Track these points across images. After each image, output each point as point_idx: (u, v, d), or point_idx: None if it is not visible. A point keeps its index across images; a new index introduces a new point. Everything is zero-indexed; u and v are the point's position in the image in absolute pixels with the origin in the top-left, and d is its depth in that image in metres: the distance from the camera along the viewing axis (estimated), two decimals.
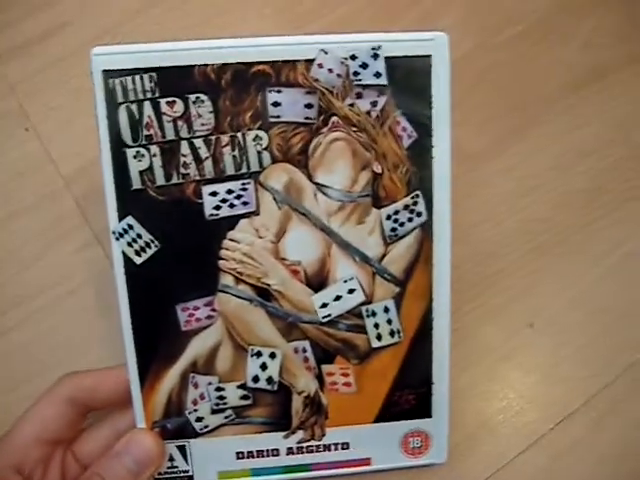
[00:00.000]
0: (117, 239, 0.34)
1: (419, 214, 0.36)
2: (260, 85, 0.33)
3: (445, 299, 0.37)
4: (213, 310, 0.36)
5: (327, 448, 0.39)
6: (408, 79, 0.34)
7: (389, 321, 0.37)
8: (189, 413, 0.37)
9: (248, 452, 0.38)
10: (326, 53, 0.33)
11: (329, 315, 0.36)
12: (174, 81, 0.33)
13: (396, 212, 0.36)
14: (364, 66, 0.33)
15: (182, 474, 0.38)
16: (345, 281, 0.36)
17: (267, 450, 0.38)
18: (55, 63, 0.46)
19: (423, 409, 0.38)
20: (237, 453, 0.38)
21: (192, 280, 0.35)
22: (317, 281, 0.36)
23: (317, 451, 0.39)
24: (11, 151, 0.45)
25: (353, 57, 0.33)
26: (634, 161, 0.47)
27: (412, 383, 0.38)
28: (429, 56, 0.34)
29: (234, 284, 0.35)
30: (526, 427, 0.44)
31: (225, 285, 0.35)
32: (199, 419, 0.37)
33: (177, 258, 0.35)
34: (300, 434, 0.38)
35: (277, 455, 0.38)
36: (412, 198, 0.35)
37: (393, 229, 0.36)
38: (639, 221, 0.46)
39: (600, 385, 0.44)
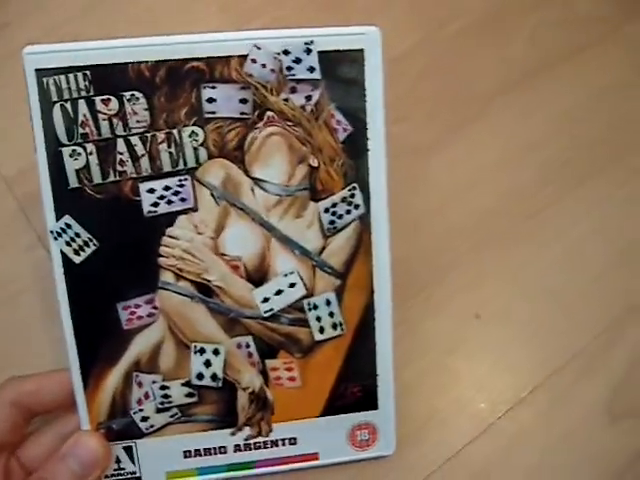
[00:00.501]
0: (55, 239, 0.34)
1: (357, 206, 0.36)
2: (194, 81, 0.33)
3: (386, 291, 0.37)
4: (154, 308, 0.36)
5: (274, 444, 0.39)
6: (341, 73, 0.34)
7: (331, 314, 0.37)
8: (134, 413, 0.37)
9: (195, 450, 0.38)
10: (259, 49, 0.34)
11: (271, 310, 0.37)
12: (108, 79, 0.33)
13: (334, 205, 0.36)
14: (297, 61, 0.34)
15: (129, 476, 0.38)
16: (285, 275, 0.36)
17: (214, 448, 0.38)
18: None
19: (369, 401, 0.39)
20: (184, 452, 0.38)
21: (132, 278, 0.35)
22: (258, 276, 0.36)
23: (265, 447, 0.39)
24: None
25: (286, 52, 0.34)
26: (577, 152, 0.48)
27: (357, 375, 0.38)
28: (361, 50, 0.34)
29: (174, 281, 0.36)
30: (475, 417, 0.44)
31: (165, 282, 0.35)
32: (144, 419, 0.37)
33: (116, 256, 0.35)
34: (247, 431, 0.38)
35: (225, 452, 0.38)
36: (349, 191, 0.36)
37: (331, 222, 0.36)
38: (583, 211, 0.47)
39: (547, 373, 0.45)
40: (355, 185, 0.36)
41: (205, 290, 0.36)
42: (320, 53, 0.34)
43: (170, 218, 0.35)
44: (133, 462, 0.38)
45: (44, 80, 0.32)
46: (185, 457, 0.38)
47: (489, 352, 0.45)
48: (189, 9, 0.48)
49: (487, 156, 0.47)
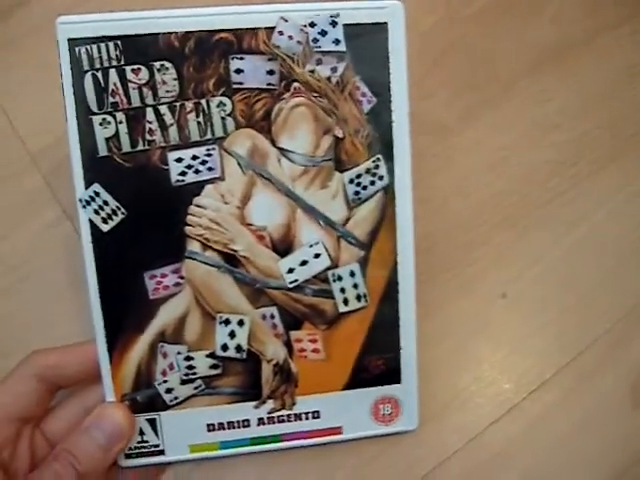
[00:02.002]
0: (84, 207, 0.34)
1: (381, 177, 0.37)
2: (223, 52, 0.34)
3: (409, 263, 0.38)
4: (181, 277, 0.36)
5: (298, 417, 0.39)
6: (366, 46, 0.35)
7: (355, 285, 0.38)
8: (159, 384, 0.37)
9: (219, 424, 0.38)
10: (286, 21, 0.34)
11: (296, 280, 0.37)
12: (139, 49, 0.33)
13: (358, 176, 0.37)
14: (323, 33, 0.35)
15: (153, 448, 0.38)
16: (310, 246, 0.37)
17: (238, 421, 0.38)
18: (20, 39, 0.46)
19: (392, 375, 0.39)
20: (208, 425, 0.38)
21: (159, 247, 0.36)
22: (283, 246, 0.37)
23: (288, 421, 0.39)
24: None
25: (312, 24, 0.35)
26: (600, 134, 0.48)
27: (380, 348, 0.39)
28: (385, 23, 0.35)
29: (201, 250, 0.36)
30: (498, 397, 0.45)
31: (192, 252, 0.36)
32: (169, 390, 0.37)
33: (144, 225, 0.35)
34: (270, 404, 0.38)
35: (248, 426, 0.38)
36: (373, 162, 0.36)
37: (356, 192, 0.37)
38: (607, 192, 0.47)
39: (571, 355, 0.45)
40: (379, 156, 0.36)
41: (231, 260, 0.36)
42: (345, 26, 0.35)
43: (197, 187, 0.35)
44: (157, 434, 0.38)
45: (76, 49, 0.33)
46: (208, 430, 0.38)
47: (514, 333, 0.45)
48: None
49: (510, 136, 0.47)
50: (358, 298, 0.38)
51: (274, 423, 0.39)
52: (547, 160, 0.48)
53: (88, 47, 0.33)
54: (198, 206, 0.35)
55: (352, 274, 0.37)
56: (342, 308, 0.38)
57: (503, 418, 0.44)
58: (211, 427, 0.38)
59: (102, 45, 0.33)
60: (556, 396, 0.45)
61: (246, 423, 0.38)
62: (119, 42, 0.33)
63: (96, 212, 0.35)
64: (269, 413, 0.38)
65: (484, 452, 0.44)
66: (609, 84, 0.49)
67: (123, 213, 0.35)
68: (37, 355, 0.38)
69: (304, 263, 0.37)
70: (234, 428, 0.38)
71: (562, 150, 0.48)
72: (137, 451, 0.38)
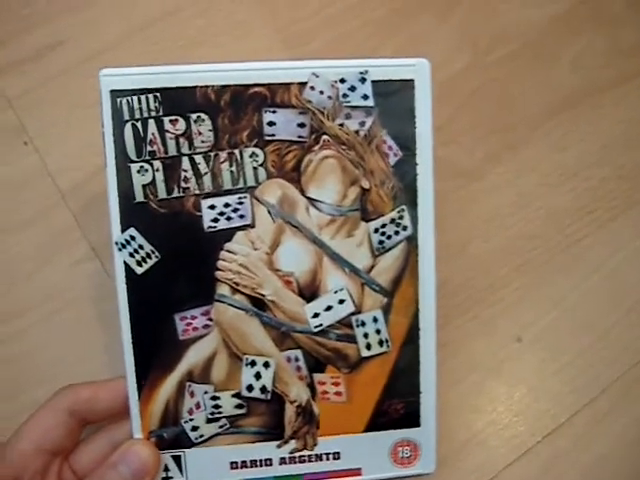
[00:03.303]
0: (120, 250, 0.36)
1: (405, 228, 0.38)
2: (257, 105, 0.35)
3: (431, 310, 0.38)
4: (210, 319, 0.37)
5: (319, 458, 0.39)
6: (393, 101, 0.36)
7: (378, 331, 0.38)
8: (185, 422, 0.38)
9: (242, 462, 0.39)
10: (317, 76, 0.36)
11: (321, 325, 0.38)
12: (177, 101, 0.35)
13: (383, 225, 0.37)
14: (352, 89, 0.36)
15: None
16: (336, 292, 0.38)
17: (260, 460, 0.39)
18: (53, 79, 0.47)
19: (412, 419, 0.39)
20: (231, 463, 0.38)
21: (190, 290, 0.36)
22: (309, 291, 0.37)
23: (309, 461, 0.39)
24: (9, 165, 0.46)
25: (342, 80, 0.36)
26: (618, 182, 0.48)
27: (401, 392, 0.39)
28: (412, 80, 0.36)
29: (230, 294, 0.37)
30: (514, 440, 0.45)
31: (222, 295, 0.37)
32: (195, 428, 0.38)
33: (176, 268, 0.36)
34: (293, 444, 0.39)
35: (270, 465, 0.39)
36: (398, 212, 0.37)
37: (381, 242, 0.38)
38: (623, 240, 0.48)
39: (586, 399, 0.45)
40: (404, 207, 0.37)
41: (259, 304, 0.37)
42: (373, 82, 0.36)
43: (229, 234, 0.36)
44: (181, 472, 0.38)
45: (117, 100, 0.34)
46: (232, 468, 0.39)
47: (529, 376, 0.46)
48: (239, 30, 0.49)
49: (530, 182, 0.48)
50: (380, 343, 0.38)
51: (296, 463, 0.39)
52: (566, 206, 0.48)
53: (129, 98, 0.34)
54: (229, 251, 0.36)
55: (375, 320, 0.38)
56: (365, 353, 0.38)
57: (518, 461, 0.44)
58: (234, 465, 0.39)
59: (142, 97, 0.34)
60: (570, 440, 0.45)
61: (269, 462, 0.39)
62: (158, 94, 0.34)
63: (131, 255, 0.36)
64: (291, 453, 0.39)
65: None
66: (628, 132, 0.49)
67: (157, 257, 0.36)
68: (68, 389, 0.38)
69: (329, 308, 0.38)
70: (257, 467, 0.39)
71: (581, 197, 0.48)
72: None
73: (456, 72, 0.49)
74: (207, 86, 0.35)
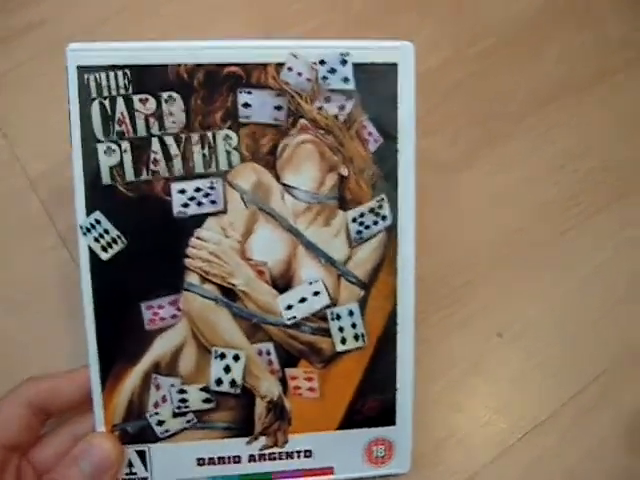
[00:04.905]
0: (84, 234, 0.33)
1: (384, 217, 0.36)
2: (231, 86, 0.33)
3: (409, 304, 0.36)
4: (178, 309, 0.34)
5: (289, 456, 0.37)
6: (375, 85, 0.34)
7: (353, 325, 0.36)
8: (150, 416, 0.35)
9: (209, 459, 0.37)
10: (296, 57, 0.33)
11: (294, 317, 0.36)
12: (147, 79, 0.32)
13: (362, 215, 0.35)
14: (332, 71, 0.34)
15: None
16: (310, 283, 0.36)
17: (229, 457, 0.37)
18: (24, 63, 0.45)
19: (387, 416, 0.37)
20: (198, 459, 0.36)
21: (158, 278, 0.34)
22: (283, 282, 0.35)
23: (279, 458, 0.37)
24: None
25: (322, 62, 0.34)
26: (603, 175, 0.47)
27: (376, 389, 0.37)
28: (395, 64, 0.34)
29: (200, 283, 0.35)
30: (494, 437, 0.43)
31: (190, 284, 0.35)
32: (160, 423, 0.36)
33: (144, 255, 0.34)
34: (262, 440, 0.37)
35: (239, 462, 0.37)
36: (377, 201, 0.35)
37: (359, 232, 0.36)
38: (609, 233, 0.46)
39: (568, 396, 0.44)
40: (383, 196, 0.35)
41: (229, 294, 0.35)
42: (355, 65, 0.34)
43: (199, 220, 0.34)
44: (145, 467, 0.36)
45: (85, 76, 0.32)
46: (199, 465, 0.36)
47: (510, 373, 0.44)
48: (218, 16, 0.48)
49: (513, 174, 0.46)
50: (356, 338, 0.37)
51: (265, 460, 0.37)
52: (550, 199, 0.47)
53: (97, 75, 0.32)
54: (199, 238, 0.34)
55: (351, 313, 0.36)
56: (340, 347, 0.36)
57: (497, 459, 0.43)
58: (201, 462, 0.36)
59: (111, 73, 0.32)
60: (551, 438, 0.44)
61: (237, 459, 0.37)
62: (128, 71, 0.32)
63: (96, 240, 0.33)
64: (261, 450, 0.37)
65: None
66: (614, 125, 0.48)
67: (123, 242, 0.34)
68: (29, 382, 0.36)
69: (303, 300, 0.36)
70: (224, 463, 0.37)
71: (565, 190, 0.47)
72: None
73: (439, 64, 0.48)
74: (180, 64, 0.32)
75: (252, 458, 0.37)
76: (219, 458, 0.37)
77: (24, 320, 0.42)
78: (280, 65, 0.33)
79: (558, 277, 0.45)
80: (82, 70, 0.32)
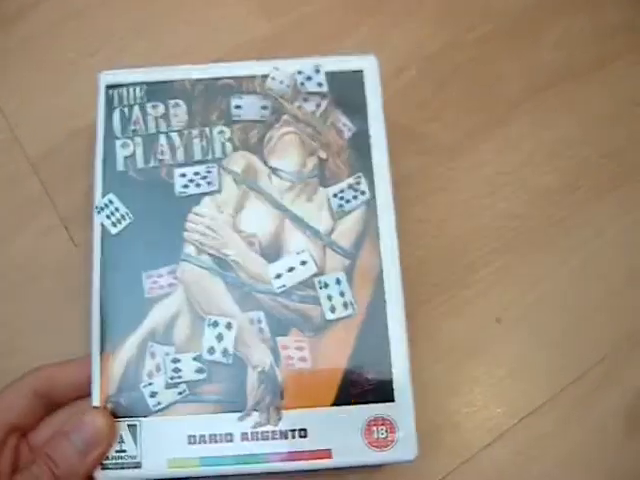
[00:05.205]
0: (98, 212, 0.38)
1: (363, 192, 0.39)
2: (225, 93, 0.40)
3: (395, 275, 0.37)
4: (175, 278, 0.37)
5: (284, 435, 0.35)
6: (346, 87, 0.40)
7: (342, 293, 0.37)
8: (144, 387, 0.35)
9: (200, 436, 0.35)
10: (277, 69, 0.41)
11: (283, 285, 0.37)
12: (159, 91, 0.40)
13: (341, 191, 0.39)
14: (309, 79, 0.40)
15: (130, 460, 0.35)
16: (297, 253, 0.38)
17: (220, 435, 0.35)
18: (25, 45, 0.46)
19: (384, 391, 0.36)
20: (189, 437, 0.35)
21: (159, 250, 0.38)
22: (272, 253, 0.38)
23: (273, 438, 0.35)
24: None
25: (300, 72, 0.41)
26: (602, 162, 0.47)
27: (370, 361, 0.36)
28: (361, 71, 0.41)
29: (196, 254, 0.38)
30: (491, 421, 0.41)
31: (188, 255, 0.37)
32: (153, 394, 0.36)
33: (148, 229, 0.38)
34: (255, 416, 0.36)
35: (231, 440, 0.35)
36: (355, 179, 0.39)
37: (340, 205, 0.38)
38: (608, 219, 0.46)
39: (566, 381, 0.41)
40: (360, 174, 0.39)
41: (223, 264, 0.37)
42: (327, 73, 0.41)
43: (197, 198, 0.38)
44: (135, 444, 0.35)
45: (110, 92, 0.40)
46: (189, 443, 0.35)
47: (508, 357, 0.42)
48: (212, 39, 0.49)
49: (513, 159, 0.47)
50: (345, 305, 0.37)
51: (258, 440, 0.35)
52: (548, 185, 0.46)
53: (119, 90, 0.40)
54: (196, 214, 0.38)
55: (338, 282, 0.37)
56: (329, 315, 0.37)
57: (494, 443, 0.40)
58: (192, 439, 0.35)
59: (130, 89, 0.40)
60: (549, 423, 0.40)
61: (229, 437, 0.35)
62: (144, 86, 0.40)
63: (108, 217, 0.38)
64: (253, 427, 0.36)
65: (473, 477, 0.39)
66: (613, 112, 0.48)
67: (130, 218, 0.38)
68: (35, 369, 0.38)
69: (291, 269, 0.38)
70: (216, 442, 0.35)
71: (564, 176, 0.46)
72: (114, 462, 0.35)
73: (438, 49, 0.50)
74: (184, 79, 0.41)
75: (245, 436, 0.35)
76: (211, 436, 0.35)
77: (23, 301, 0.43)
78: (265, 76, 0.41)
79: (557, 263, 0.45)
80: (108, 87, 0.40)
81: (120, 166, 0.39)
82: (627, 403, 0.41)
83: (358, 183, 0.39)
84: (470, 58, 0.50)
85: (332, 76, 0.41)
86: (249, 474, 0.36)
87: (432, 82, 0.48)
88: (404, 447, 0.35)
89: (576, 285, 0.44)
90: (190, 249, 0.38)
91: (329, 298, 0.37)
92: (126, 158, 0.39)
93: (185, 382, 0.36)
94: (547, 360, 0.42)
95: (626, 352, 0.42)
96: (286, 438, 0.35)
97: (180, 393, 0.36)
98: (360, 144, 0.40)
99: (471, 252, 0.45)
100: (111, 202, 0.38)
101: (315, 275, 0.38)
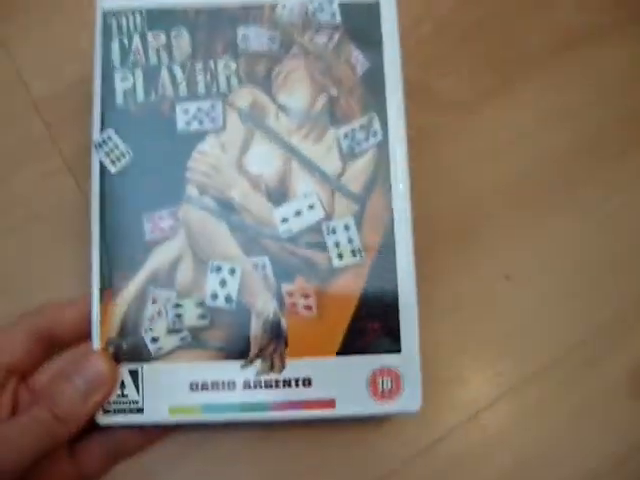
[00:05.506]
0: (96, 149, 0.36)
1: (375, 133, 0.36)
2: (231, 23, 0.37)
3: (405, 222, 0.35)
4: (177, 220, 0.35)
5: (287, 384, 0.35)
6: (360, 20, 0.37)
7: (350, 240, 0.36)
8: (145, 332, 0.34)
9: (202, 383, 0.34)
10: None
11: (290, 230, 0.35)
12: (160, 19, 0.37)
13: (352, 131, 0.36)
14: (321, 9, 0.37)
15: (132, 405, 0.34)
16: (305, 196, 0.36)
17: (223, 382, 0.34)
18: None
19: (391, 342, 0.35)
20: (191, 384, 0.34)
21: (160, 190, 0.36)
22: (278, 196, 0.36)
23: (276, 386, 0.35)
24: None
25: (312, 1, 0.38)
26: (619, 122, 0.45)
27: (377, 311, 0.35)
28: (377, 3, 0.37)
29: (198, 195, 0.36)
30: (497, 379, 0.40)
31: (189, 196, 0.35)
32: (155, 340, 0.35)
33: (149, 168, 0.36)
34: (258, 364, 0.35)
35: (233, 388, 0.35)
36: (367, 118, 0.36)
37: (350, 147, 0.36)
38: (621, 184, 0.44)
39: (573, 341, 0.41)
40: (373, 114, 0.37)
41: (227, 207, 0.36)
42: (341, 4, 0.38)
43: (200, 136, 0.36)
44: (137, 389, 0.35)
45: (108, 19, 0.37)
46: (192, 390, 0.34)
47: (516, 315, 0.41)
48: None
49: (527, 119, 0.45)
50: (353, 253, 0.36)
51: (261, 388, 0.34)
52: (563, 146, 0.45)
53: (119, 17, 0.37)
54: (199, 153, 0.36)
55: (347, 227, 0.36)
56: (336, 263, 0.36)
57: (501, 400, 0.40)
58: (194, 386, 0.34)
59: (130, 16, 0.38)
60: (555, 381, 0.40)
61: (232, 385, 0.35)
62: (144, 13, 0.38)
63: (107, 154, 0.36)
64: (257, 375, 0.35)
65: (480, 433, 0.39)
66: (630, 74, 0.46)
67: (130, 155, 0.36)
68: (34, 310, 0.37)
69: (298, 213, 0.36)
70: (218, 389, 0.34)
71: (578, 137, 0.45)
72: (115, 406, 0.34)
73: (456, 3, 0.48)
74: (187, 7, 0.38)
75: (247, 384, 0.35)
76: (213, 383, 0.35)
77: (25, 242, 0.42)
78: (274, 5, 0.38)
79: (569, 223, 0.43)
80: (106, 14, 0.38)
81: (119, 100, 0.37)
82: (631, 367, 0.40)
83: (370, 123, 0.37)
84: (488, 14, 0.47)
85: (346, 7, 0.38)
86: (252, 422, 0.35)
87: (448, 37, 0.46)
88: (409, 398, 0.35)
89: (587, 247, 0.42)
90: (192, 190, 0.36)
91: (337, 245, 0.36)
92: (125, 91, 0.37)
93: (187, 328, 0.35)
94: (555, 319, 0.41)
95: (634, 315, 0.41)
96: (289, 387, 0.35)
97: (182, 339, 0.35)
98: (374, 82, 0.37)
99: (482, 209, 0.43)
100: (110, 138, 0.36)
101: (323, 220, 0.36)
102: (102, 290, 0.35)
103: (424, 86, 0.44)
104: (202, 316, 0.35)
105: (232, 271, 0.35)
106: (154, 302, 0.35)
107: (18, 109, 0.44)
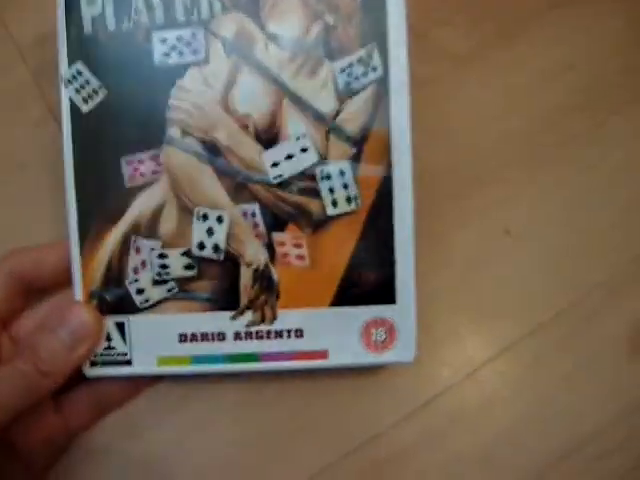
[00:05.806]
0: (66, 86, 0.33)
1: (374, 68, 0.33)
2: None
3: (405, 166, 0.33)
4: (159, 165, 0.33)
5: (279, 335, 0.34)
6: None
7: (345, 186, 0.34)
8: (129, 283, 0.33)
9: (192, 334, 0.33)
10: None
11: (280, 175, 0.33)
12: None
13: (350, 65, 0.33)
14: None
15: (120, 357, 0.34)
16: (297, 138, 0.33)
17: (212, 333, 0.33)
18: None
19: (386, 292, 0.33)
20: (180, 335, 0.34)
21: (139, 131, 0.32)
22: (268, 137, 0.33)
23: (267, 337, 0.34)
24: None
25: None
26: (616, 79, 0.43)
27: (372, 261, 0.33)
28: None
29: (181, 137, 0.33)
30: (494, 334, 0.39)
31: (171, 137, 0.32)
32: (140, 291, 0.33)
33: (125, 107, 0.32)
34: (249, 315, 0.34)
35: (223, 340, 0.34)
36: (367, 50, 0.33)
37: (347, 83, 0.33)
38: (622, 137, 0.42)
39: (572, 298, 0.40)
40: (373, 45, 0.33)
41: (212, 150, 0.33)
42: None
43: (181, 70, 0.32)
44: (124, 341, 0.34)
45: None
46: (180, 341, 0.34)
47: (515, 270, 0.40)
48: None
49: (527, 73, 0.42)
50: (348, 200, 0.34)
51: (252, 339, 0.34)
52: (560, 102, 0.42)
53: None
54: (180, 88, 0.33)
55: (342, 173, 0.33)
56: (330, 210, 0.33)
57: (498, 357, 0.39)
58: (183, 337, 0.33)
59: None
60: (553, 339, 0.39)
61: (221, 336, 0.34)
62: None
63: (77, 91, 0.32)
64: (247, 326, 0.34)
65: (477, 390, 0.39)
66: (631, 32, 0.44)
67: (104, 92, 0.33)
68: (13, 252, 0.35)
69: (290, 157, 0.33)
70: (208, 340, 0.34)
71: (576, 93, 0.42)
72: (103, 358, 0.34)
73: None
74: None
75: (238, 336, 0.34)
76: (202, 334, 0.33)
77: (7, 191, 0.40)
78: None
79: (569, 180, 0.41)
80: None
81: (88, 28, 0.33)
82: (631, 325, 0.40)
83: (370, 57, 0.33)
84: None
85: None
86: (242, 372, 0.34)
87: None
88: (403, 349, 0.34)
89: (587, 202, 0.41)
90: (174, 131, 0.33)
91: (331, 191, 0.33)
92: (94, 19, 0.33)
93: (173, 279, 0.33)
94: (554, 276, 0.40)
95: (633, 274, 0.40)
96: (281, 337, 0.34)
97: (169, 290, 0.33)
98: (375, 8, 0.33)
99: (482, 164, 0.41)
100: (80, 73, 0.33)
101: (316, 164, 0.33)
102: (82, 240, 0.33)
103: (419, 34, 0.40)
104: (189, 266, 0.33)
105: (219, 219, 0.33)
106: (138, 252, 0.33)
107: (2, 56, 0.41)
